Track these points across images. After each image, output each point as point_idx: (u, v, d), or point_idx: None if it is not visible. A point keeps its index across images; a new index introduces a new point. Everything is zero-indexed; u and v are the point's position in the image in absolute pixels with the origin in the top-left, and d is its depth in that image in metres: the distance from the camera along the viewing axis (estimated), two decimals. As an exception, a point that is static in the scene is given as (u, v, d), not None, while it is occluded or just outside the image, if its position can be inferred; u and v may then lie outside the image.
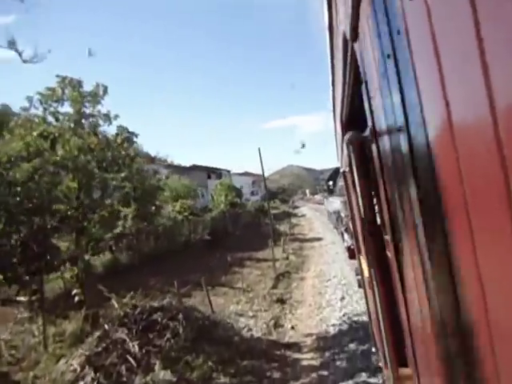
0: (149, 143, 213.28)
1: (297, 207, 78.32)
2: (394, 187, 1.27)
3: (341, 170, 6.21)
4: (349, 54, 1.79)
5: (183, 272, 17.22)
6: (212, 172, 54.31)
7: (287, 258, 20.63)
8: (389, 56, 0.95)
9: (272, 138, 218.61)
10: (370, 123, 1.52)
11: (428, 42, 0.66)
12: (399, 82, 0.90)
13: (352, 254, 9.01)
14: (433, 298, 0.95)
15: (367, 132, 1.66)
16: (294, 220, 46.33)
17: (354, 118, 2.84)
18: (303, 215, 55.06)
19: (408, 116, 0.88)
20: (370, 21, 1.11)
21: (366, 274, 2.94)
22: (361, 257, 3.69)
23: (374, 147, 1.52)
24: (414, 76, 0.77)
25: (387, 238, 1.76)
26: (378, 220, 2.19)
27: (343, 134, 3.10)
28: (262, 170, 25.96)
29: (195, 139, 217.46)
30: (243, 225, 33.76)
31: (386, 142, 1.25)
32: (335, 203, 20.78)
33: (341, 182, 13.78)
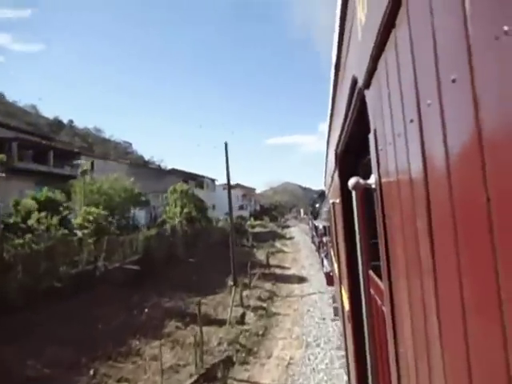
0: (148, 149, 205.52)
1: (287, 227, 69.68)
2: (395, 238, 1.28)
3: (327, 194, 7.85)
4: (356, 97, 1.81)
5: (32, 340, 8.83)
6: (190, 178, 45.91)
7: (242, 321, 12.14)
8: (412, 121, 0.94)
9: (272, 154, 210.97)
10: (375, 173, 1.49)
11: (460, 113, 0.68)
12: (422, 148, 0.88)
13: (330, 280, 10.02)
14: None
15: (371, 180, 1.55)
16: (278, 243, 37.85)
17: (349, 152, 3.00)
18: (291, 238, 46.51)
19: (428, 178, 0.88)
20: (393, 80, 1.09)
21: (347, 307, 3.42)
22: (342, 289, 3.98)
23: (377, 197, 1.49)
24: (444, 143, 0.75)
25: (380, 283, 1.84)
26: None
27: (336, 164, 3.51)
28: (227, 167, 17.79)
29: (196, 149, 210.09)
30: (209, 246, 25.31)
31: (394, 197, 1.23)
32: (319, 228, 20.04)
33: (325, 208, 12.53)
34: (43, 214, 12.44)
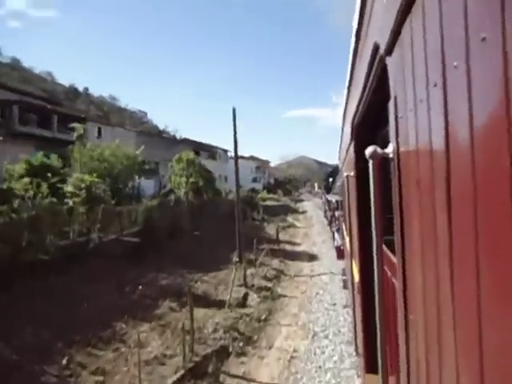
0: (164, 119, 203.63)
1: (300, 201, 68.17)
2: (411, 210, 1.25)
3: (341, 169, 7.72)
4: (376, 65, 1.78)
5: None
6: (202, 149, 44.52)
7: (243, 304, 11.00)
8: (435, 85, 0.91)
9: (289, 127, 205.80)
10: (393, 142, 1.45)
11: (486, 76, 0.66)
12: (445, 113, 0.86)
13: (341, 254, 9.81)
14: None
15: (389, 149, 1.51)
16: (290, 218, 36.57)
17: (366, 123, 2.99)
18: (304, 212, 45.14)
19: (450, 147, 0.85)
20: (417, 44, 1.06)
21: (357, 279, 3.47)
22: (353, 262, 4.00)
23: (395, 166, 1.45)
24: (469, 107, 0.72)
25: (392, 257, 1.97)
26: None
27: (352, 137, 3.48)
28: (235, 134, 16.35)
29: (213, 120, 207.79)
30: (216, 219, 24.21)
31: (412, 166, 1.20)
32: (332, 202, 19.91)
33: (339, 182, 11.60)
34: (27, 179, 11.34)
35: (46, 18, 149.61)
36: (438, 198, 0.93)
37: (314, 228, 29.28)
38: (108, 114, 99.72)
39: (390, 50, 1.38)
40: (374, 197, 1.70)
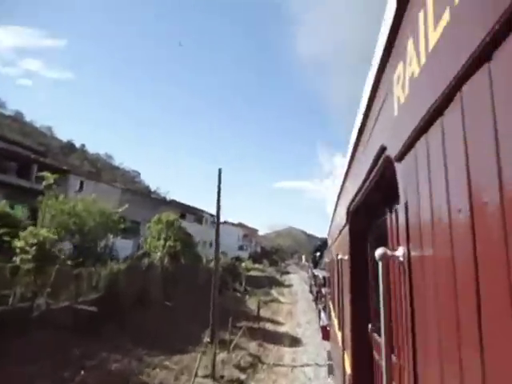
0: (156, 180, 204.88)
1: (287, 273, 65.57)
2: (426, 316, 1.19)
3: (330, 245, 7.76)
4: (380, 164, 1.82)
5: None
6: (189, 212, 43.17)
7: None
8: (460, 211, 0.91)
9: (279, 198, 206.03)
10: (404, 246, 1.45)
11: None
12: (473, 240, 0.84)
13: (326, 334, 9.36)
14: None
15: (399, 252, 1.52)
16: (274, 291, 34.23)
17: (362, 211, 3.07)
18: (289, 285, 42.72)
19: (478, 261, 0.83)
20: (435, 165, 1.09)
21: (349, 371, 3.36)
22: (345, 353, 3.84)
23: (405, 270, 1.42)
24: (505, 241, 0.74)
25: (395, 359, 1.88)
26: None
27: (347, 221, 3.47)
28: (219, 195, 15.14)
29: (205, 184, 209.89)
30: (193, 288, 22.09)
31: (428, 274, 1.16)
32: (319, 277, 19.05)
33: (327, 258, 11.49)
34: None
35: (57, 79, 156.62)
36: (461, 307, 0.90)
37: (298, 304, 27.01)
38: (100, 171, 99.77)
39: (400, 157, 1.42)
40: (384, 299, 1.64)
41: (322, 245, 21.86)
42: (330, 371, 7.47)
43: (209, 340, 13.38)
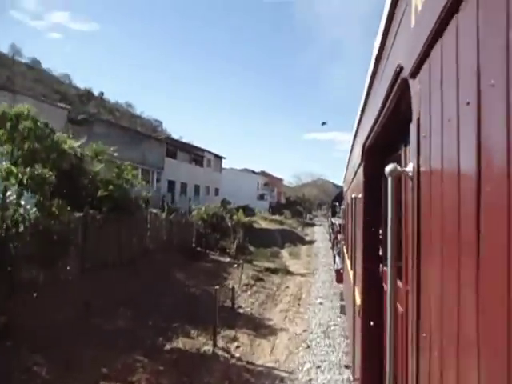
0: (180, 130, 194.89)
1: (311, 225, 55.40)
2: (432, 232, 1.18)
3: (345, 191, 7.48)
4: (397, 88, 1.74)
5: None
6: (183, 150, 32.77)
7: None
8: (468, 103, 0.88)
9: (310, 150, 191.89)
10: (414, 162, 1.43)
11: None
12: (478, 132, 0.81)
13: (340, 277, 9.85)
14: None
15: (409, 168, 1.48)
16: (286, 252, 24.12)
17: (377, 146, 2.93)
18: (311, 241, 32.50)
19: (481, 166, 0.79)
20: (448, 65, 1.04)
21: (358, 302, 3.39)
22: (356, 287, 3.89)
23: (414, 186, 1.41)
24: (507, 124, 0.67)
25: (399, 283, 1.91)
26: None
27: (362, 159, 3.35)
28: None
29: (234, 137, 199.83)
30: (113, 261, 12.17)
31: (435, 188, 1.16)
32: (335, 225, 18.31)
33: (343, 206, 10.79)
34: None
35: (85, 31, 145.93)
36: (463, 222, 0.89)
37: (319, 277, 16.56)
38: (119, 119, 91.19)
39: (415, 73, 1.38)
40: (392, 216, 1.62)
41: (339, 194, 19.92)
42: (342, 311, 8.16)
43: None
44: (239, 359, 7.47)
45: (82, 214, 9.96)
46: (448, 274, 1.00)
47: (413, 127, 1.43)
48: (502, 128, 0.68)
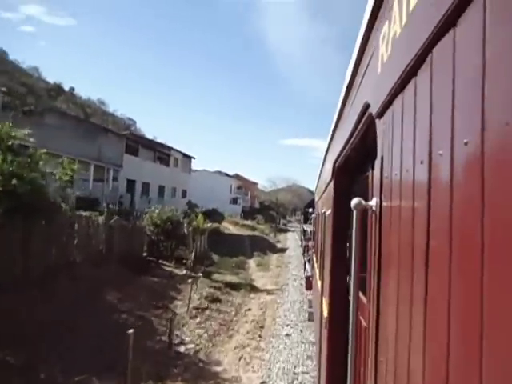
0: (153, 130, 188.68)
1: (284, 231, 53.19)
2: (390, 258, 1.27)
3: (317, 200, 7.81)
4: (364, 120, 1.83)
5: None
6: (146, 147, 29.68)
7: None
8: (422, 162, 0.96)
9: (285, 155, 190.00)
10: (377, 197, 1.52)
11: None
12: (429, 186, 0.90)
13: (309, 284, 9.63)
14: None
15: (372, 202, 1.59)
16: (254, 262, 21.60)
17: (347, 166, 3.04)
18: (283, 249, 30.09)
19: (430, 206, 0.89)
20: (407, 120, 1.11)
21: (325, 314, 3.39)
22: (323, 299, 3.88)
23: (376, 218, 1.51)
24: (450, 182, 0.78)
25: (363, 298, 2.05)
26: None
27: (332, 176, 3.46)
28: None
29: (210, 140, 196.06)
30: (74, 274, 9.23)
31: (394, 221, 1.25)
32: (307, 232, 19.06)
33: (314, 214, 11.55)
34: None
35: (61, 26, 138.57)
36: (416, 250, 0.97)
37: (286, 297, 14.07)
38: (90, 116, 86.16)
39: (380, 114, 1.44)
40: (356, 244, 1.74)
41: (313, 201, 18.76)
42: (310, 318, 8.27)
43: None
44: None
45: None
46: (403, 291, 1.06)
47: (377, 164, 1.50)
48: (446, 186, 0.78)
